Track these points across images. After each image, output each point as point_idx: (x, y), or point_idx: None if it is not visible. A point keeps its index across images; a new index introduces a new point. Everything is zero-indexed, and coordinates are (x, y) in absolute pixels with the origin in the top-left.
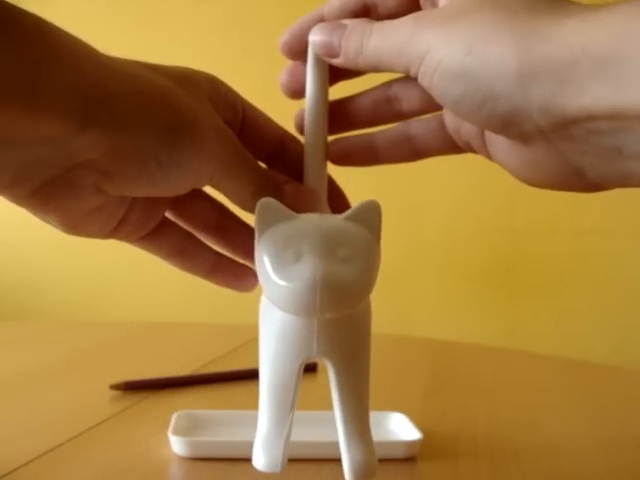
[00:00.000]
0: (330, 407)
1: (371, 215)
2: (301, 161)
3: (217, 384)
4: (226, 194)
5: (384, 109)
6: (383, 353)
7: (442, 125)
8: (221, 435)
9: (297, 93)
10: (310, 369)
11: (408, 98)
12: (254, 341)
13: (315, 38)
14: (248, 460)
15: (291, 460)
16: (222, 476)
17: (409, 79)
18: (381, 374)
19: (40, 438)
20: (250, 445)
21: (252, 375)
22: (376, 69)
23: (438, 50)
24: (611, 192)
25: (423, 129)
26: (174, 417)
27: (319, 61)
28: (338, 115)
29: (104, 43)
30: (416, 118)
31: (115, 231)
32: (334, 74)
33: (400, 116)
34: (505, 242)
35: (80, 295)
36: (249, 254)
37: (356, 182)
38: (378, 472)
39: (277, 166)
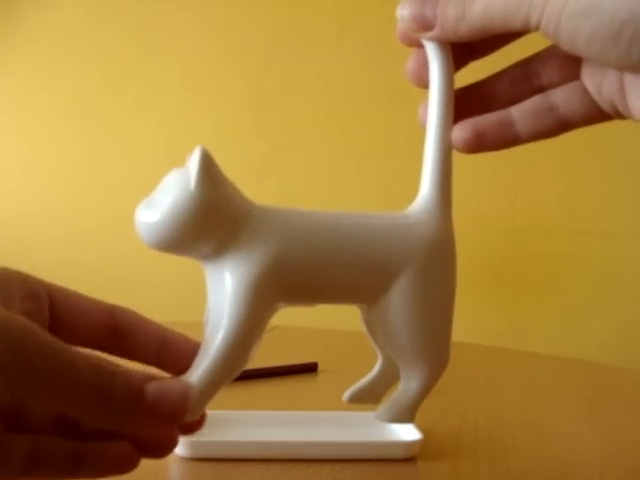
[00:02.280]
0: (330, 407)
1: (192, 163)
2: (138, 332)
3: None
4: (54, 405)
5: (523, 86)
6: None
7: (584, 90)
8: (221, 435)
9: (425, 82)
10: (310, 369)
11: (547, 71)
12: None
13: (403, 12)
14: (248, 460)
15: (291, 460)
16: (222, 476)
17: (545, 53)
18: None
19: None
20: (250, 445)
21: (252, 375)
22: (482, 33)
23: None
24: (611, 193)
25: (564, 96)
26: None
27: (439, 43)
28: (471, 100)
29: (101, 46)
30: (555, 88)
31: None
32: (460, 56)
33: (540, 91)
34: (505, 242)
35: None
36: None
37: (356, 184)
38: (378, 472)
39: (113, 348)
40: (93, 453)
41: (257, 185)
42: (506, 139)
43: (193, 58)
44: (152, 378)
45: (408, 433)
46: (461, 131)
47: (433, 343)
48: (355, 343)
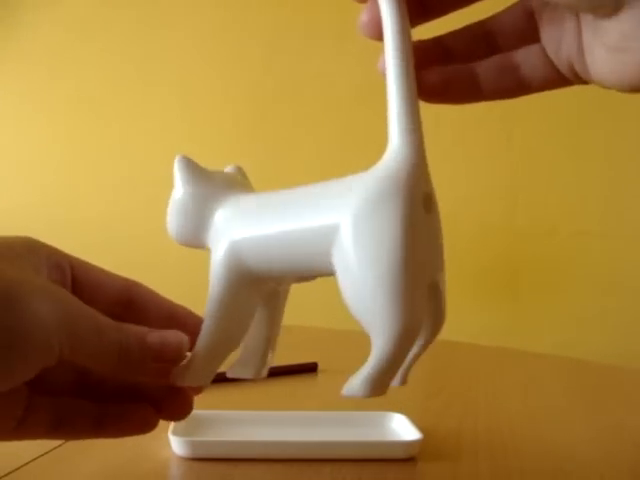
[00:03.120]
0: (330, 407)
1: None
2: (149, 305)
3: (217, 384)
4: (85, 361)
5: (483, 45)
6: None
7: (543, 52)
8: (221, 435)
9: (379, 33)
10: (310, 369)
11: (506, 33)
12: None
13: None
14: (248, 460)
15: (291, 460)
16: (222, 476)
17: (504, 14)
18: None
19: None
20: (250, 445)
21: None
22: None
23: None
24: (611, 194)
25: (525, 56)
26: None
27: None
28: (433, 52)
29: (101, 48)
30: (516, 49)
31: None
32: (415, 16)
33: (500, 52)
34: (505, 243)
35: None
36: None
37: None
38: (378, 472)
39: (126, 317)
40: (115, 414)
41: (256, 186)
42: (470, 92)
43: (192, 59)
44: (154, 331)
45: (408, 433)
46: (429, 75)
47: (384, 307)
48: (355, 343)
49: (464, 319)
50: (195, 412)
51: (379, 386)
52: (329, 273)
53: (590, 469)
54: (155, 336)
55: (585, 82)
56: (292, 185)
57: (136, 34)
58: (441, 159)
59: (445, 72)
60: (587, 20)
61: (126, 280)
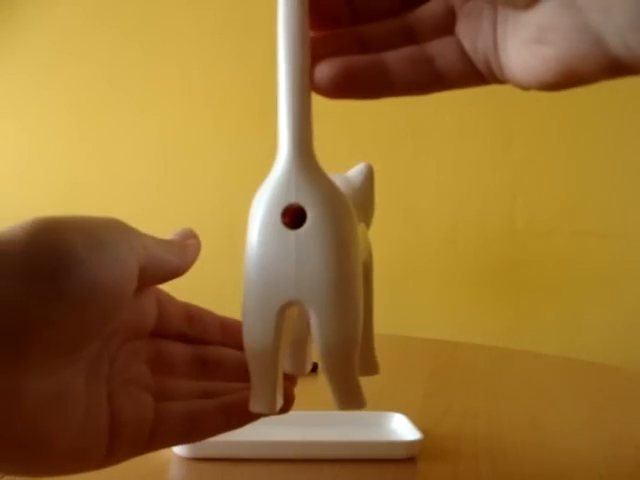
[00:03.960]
0: (330, 407)
1: None
2: (206, 319)
3: None
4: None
5: (398, 36)
6: (383, 353)
7: (460, 45)
8: (221, 435)
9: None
10: (310, 369)
11: (423, 25)
12: None
13: None
14: (248, 460)
15: (291, 460)
16: (222, 476)
17: (421, 8)
18: (381, 374)
19: None
20: (250, 445)
21: None
22: None
23: None
24: (611, 194)
25: (441, 49)
26: None
27: None
28: (339, 42)
29: (103, 45)
30: (432, 40)
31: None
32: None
33: (416, 43)
34: (505, 242)
35: None
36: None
37: None
38: (378, 472)
39: (191, 332)
40: (238, 403)
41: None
42: (379, 85)
43: (195, 56)
44: None
45: (408, 433)
46: (328, 67)
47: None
48: None
49: (464, 319)
50: None
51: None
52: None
53: (590, 469)
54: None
55: (500, 81)
56: None
57: (137, 33)
58: (441, 159)
59: (347, 63)
60: (503, 13)
61: (182, 302)
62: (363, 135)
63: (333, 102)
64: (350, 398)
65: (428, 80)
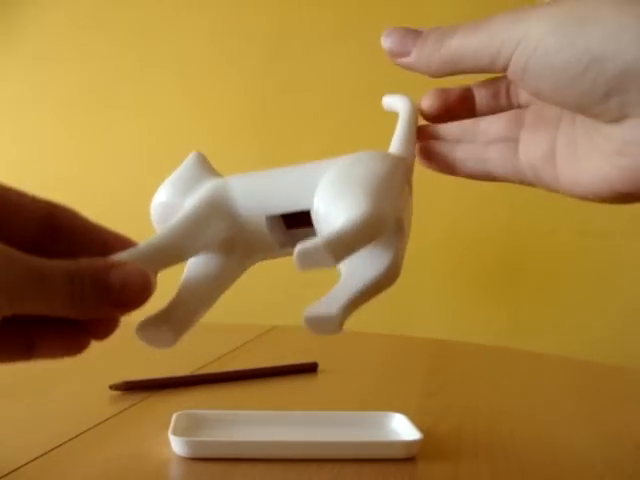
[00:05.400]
0: (330, 407)
1: None
2: (79, 228)
3: (217, 384)
4: (33, 312)
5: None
6: (383, 353)
7: (515, 151)
8: (221, 435)
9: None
10: (310, 369)
11: (493, 125)
12: (254, 341)
13: (386, 38)
14: (248, 460)
15: (291, 460)
16: (222, 476)
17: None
18: (381, 374)
19: (40, 438)
20: (250, 445)
21: (252, 375)
22: (452, 67)
23: (542, 24)
24: None
25: (498, 152)
26: (174, 417)
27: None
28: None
29: (100, 48)
30: (495, 142)
31: None
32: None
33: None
34: (505, 242)
35: None
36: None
37: None
38: (378, 472)
39: (51, 243)
40: (45, 335)
41: None
42: (447, 170)
43: (192, 58)
44: (114, 266)
45: (408, 433)
46: (420, 146)
47: (360, 195)
48: (355, 343)
49: (464, 319)
50: (195, 412)
51: (332, 252)
52: (306, 208)
53: (590, 469)
54: (116, 276)
55: (549, 189)
56: None
57: (137, 32)
58: None
59: (431, 148)
60: (583, 126)
61: (48, 203)
62: (362, 132)
63: (332, 103)
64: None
65: (482, 175)
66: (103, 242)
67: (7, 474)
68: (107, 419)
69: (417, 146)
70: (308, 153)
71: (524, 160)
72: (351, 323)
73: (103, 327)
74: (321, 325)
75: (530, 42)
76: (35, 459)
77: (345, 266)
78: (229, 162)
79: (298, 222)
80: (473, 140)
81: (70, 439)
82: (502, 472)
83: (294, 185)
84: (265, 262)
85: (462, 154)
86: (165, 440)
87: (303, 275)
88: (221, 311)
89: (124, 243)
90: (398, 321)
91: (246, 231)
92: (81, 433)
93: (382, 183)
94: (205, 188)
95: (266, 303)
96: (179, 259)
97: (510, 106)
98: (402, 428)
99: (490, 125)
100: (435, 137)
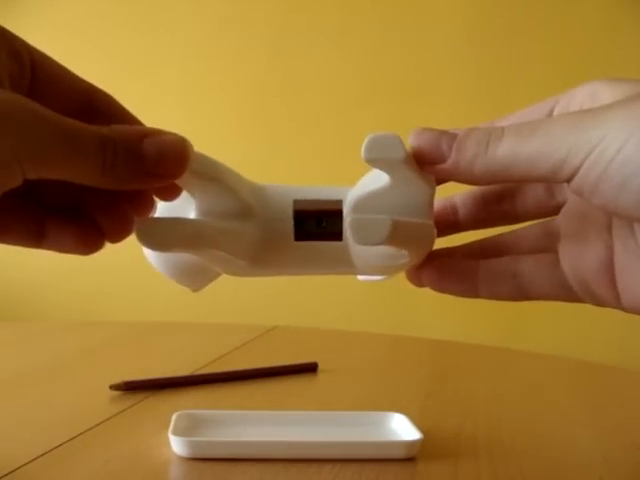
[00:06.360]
0: (330, 407)
1: None
2: (116, 115)
3: (217, 384)
4: (62, 177)
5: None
6: (383, 353)
7: (555, 263)
8: (221, 435)
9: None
10: (310, 369)
11: (522, 241)
12: (254, 341)
13: (416, 138)
14: (248, 460)
15: (291, 460)
16: (222, 476)
17: (523, 229)
18: (381, 374)
19: (40, 438)
20: (250, 445)
21: (252, 375)
22: (500, 176)
23: (620, 127)
24: None
25: (533, 265)
26: (174, 417)
27: None
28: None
29: (105, 42)
30: (527, 255)
31: None
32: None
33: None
34: None
35: (80, 295)
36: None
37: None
38: (378, 472)
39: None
40: (57, 226)
41: (257, 183)
42: (466, 291)
43: (193, 57)
44: (149, 134)
45: (408, 433)
46: (428, 265)
47: None
48: (355, 343)
49: (464, 319)
50: (195, 412)
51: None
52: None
53: (590, 469)
54: (151, 144)
55: (604, 304)
56: (294, 182)
57: (138, 30)
58: None
59: (444, 266)
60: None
61: (89, 85)
62: (364, 131)
63: (333, 101)
64: None
65: (512, 292)
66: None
67: (7, 474)
68: (107, 419)
69: (428, 267)
70: (309, 150)
71: (570, 274)
72: (351, 323)
73: (118, 227)
74: (368, 228)
75: (608, 149)
76: (35, 459)
77: None
78: (230, 159)
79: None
80: (499, 254)
81: (70, 439)
82: (502, 472)
83: (326, 188)
84: None
85: (487, 271)
86: (165, 440)
87: (303, 275)
88: (221, 311)
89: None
90: (398, 321)
91: (267, 207)
92: (81, 433)
93: None
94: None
95: (266, 303)
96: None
97: (516, 214)
98: (402, 428)
99: (520, 236)
100: (449, 254)
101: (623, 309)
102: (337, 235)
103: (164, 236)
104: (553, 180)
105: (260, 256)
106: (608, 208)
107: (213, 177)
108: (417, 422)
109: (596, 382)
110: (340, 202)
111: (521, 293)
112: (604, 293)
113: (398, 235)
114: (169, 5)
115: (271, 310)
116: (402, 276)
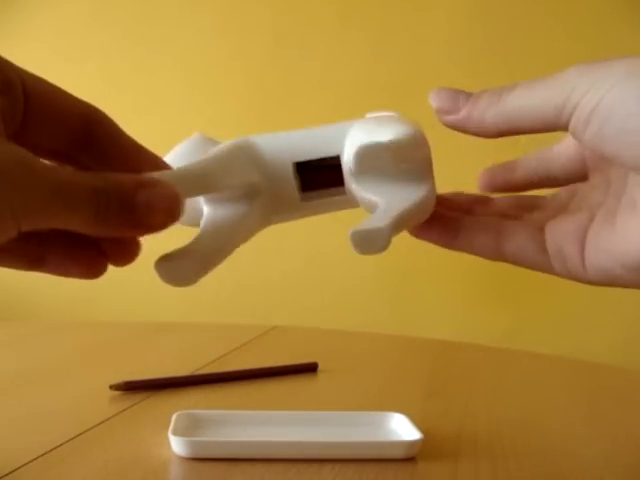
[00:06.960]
0: (330, 407)
1: None
2: (115, 140)
3: (217, 384)
4: (54, 226)
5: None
6: (384, 353)
7: (540, 227)
8: (221, 435)
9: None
10: (310, 369)
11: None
12: (254, 341)
13: (435, 96)
14: (248, 460)
15: (291, 460)
16: (222, 476)
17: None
18: (381, 374)
19: (40, 438)
20: (250, 445)
21: (252, 375)
22: (508, 126)
23: (614, 73)
24: None
25: (518, 225)
26: (174, 417)
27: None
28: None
29: (102, 45)
30: (513, 220)
31: None
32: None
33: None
34: None
35: (80, 295)
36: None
37: None
38: (378, 472)
39: (84, 149)
40: (59, 251)
41: None
42: (445, 239)
43: (194, 54)
44: (143, 184)
45: (408, 433)
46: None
47: None
48: (355, 343)
49: (464, 319)
50: (195, 412)
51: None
52: (335, 154)
53: (590, 469)
54: (143, 196)
55: (569, 276)
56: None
57: (139, 26)
58: (443, 157)
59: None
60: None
61: (87, 108)
62: None
63: (333, 99)
64: None
65: (490, 250)
66: (136, 157)
67: (7, 474)
68: (107, 419)
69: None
70: None
71: (550, 239)
72: (351, 323)
73: (124, 252)
74: (369, 240)
75: (599, 89)
76: (35, 459)
77: (381, 198)
78: None
79: (321, 183)
80: (486, 212)
81: (70, 439)
82: (501, 472)
83: (322, 136)
84: (265, 262)
85: (471, 223)
86: (165, 440)
87: (303, 275)
88: (221, 311)
89: (157, 163)
90: (399, 321)
91: (271, 180)
92: (81, 433)
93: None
94: (227, 142)
95: (266, 303)
96: (210, 189)
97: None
98: (402, 428)
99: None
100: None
101: (588, 279)
102: (339, 182)
103: (186, 270)
104: (557, 126)
105: (269, 220)
106: (595, 146)
107: (206, 188)
108: (417, 422)
109: (596, 382)
110: (338, 158)
111: (496, 250)
112: (574, 255)
113: (398, 232)
114: (169, 2)
115: (271, 310)
116: (402, 277)
